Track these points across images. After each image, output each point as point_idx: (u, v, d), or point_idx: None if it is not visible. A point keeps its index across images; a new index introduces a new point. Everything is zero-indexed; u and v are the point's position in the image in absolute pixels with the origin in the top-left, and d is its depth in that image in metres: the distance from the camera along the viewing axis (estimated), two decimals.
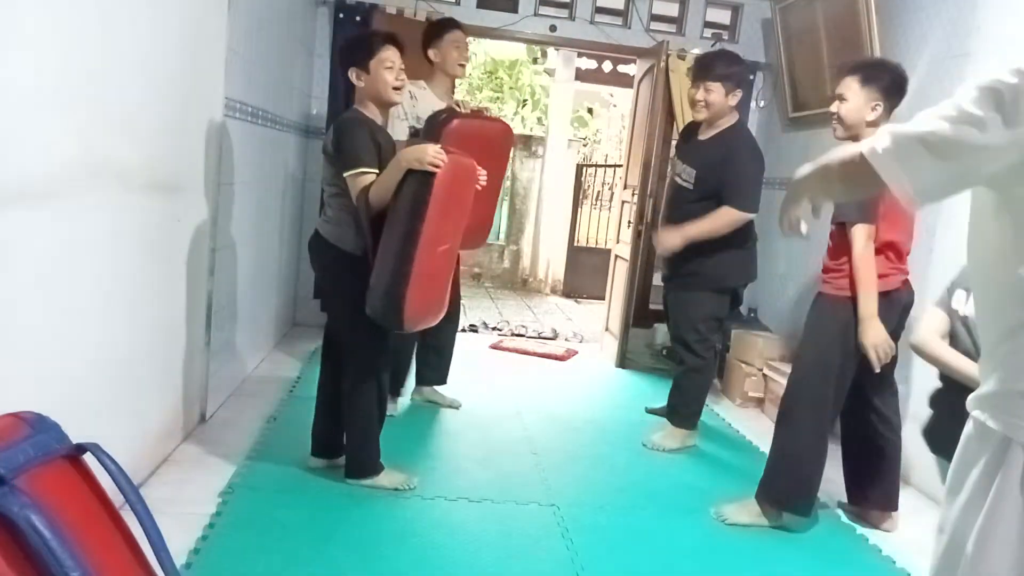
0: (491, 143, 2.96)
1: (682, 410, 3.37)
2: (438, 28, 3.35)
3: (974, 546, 1.07)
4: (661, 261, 3.51)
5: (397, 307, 2.33)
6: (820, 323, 2.60)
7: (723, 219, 3.09)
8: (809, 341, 2.62)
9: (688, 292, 3.27)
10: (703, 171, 3.18)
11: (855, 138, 2.44)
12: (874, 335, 2.45)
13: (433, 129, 2.84)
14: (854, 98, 2.47)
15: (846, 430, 2.78)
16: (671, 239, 3.18)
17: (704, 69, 3.15)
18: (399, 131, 3.08)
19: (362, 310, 2.40)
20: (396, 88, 2.52)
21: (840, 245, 2.55)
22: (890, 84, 2.47)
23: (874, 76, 2.47)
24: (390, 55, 2.50)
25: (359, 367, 2.57)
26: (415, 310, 2.37)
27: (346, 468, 2.65)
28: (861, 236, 2.45)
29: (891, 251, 2.53)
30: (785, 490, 2.64)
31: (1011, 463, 1.05)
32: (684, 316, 3.30)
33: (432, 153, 2.29)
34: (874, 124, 2.44)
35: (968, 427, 1.15)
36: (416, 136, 3.03)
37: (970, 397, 1.17)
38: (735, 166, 3.11)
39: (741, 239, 3.18)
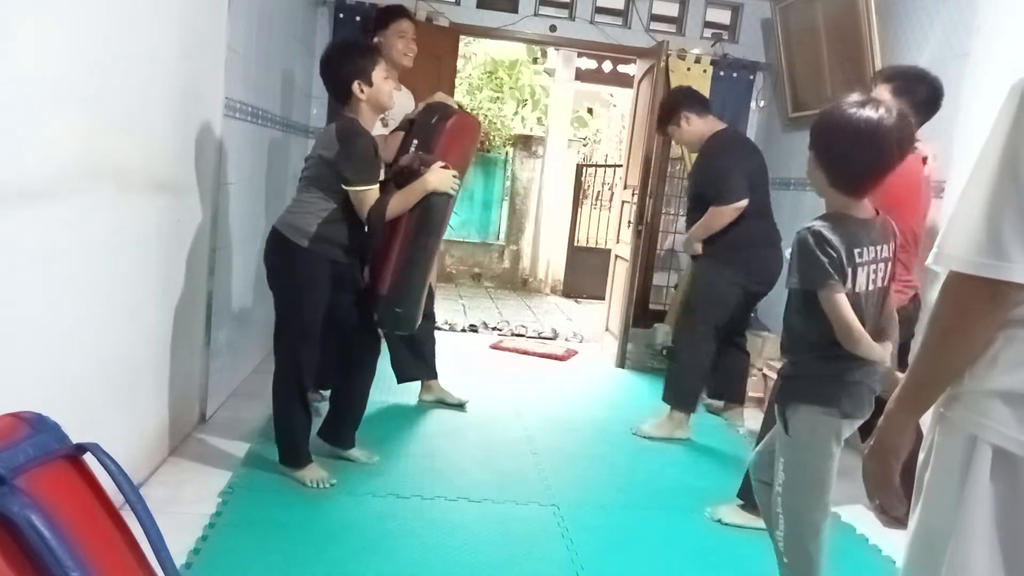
0: (475, 137, 3.10)
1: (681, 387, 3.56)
2: (385, 16, 3.31)
3: (950, 546, 1.08)
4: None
5: (415, 314, 2.69)
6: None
7: (712, 217, 3.39)
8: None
9: (701, 271, 3.53)
10: (690, 180, 3.72)
11: None
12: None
13: (431, 123, 2.81)
14: None
15: None
16: (692, 244, 3.58)
17: (660, 122, 3.57)
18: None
19: (304, 308, 2.51)
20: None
21: None
22: (924, 99, 2.43)
23: (907, 88, 2.43)
24: (385, 65, 2.62)
25: (286, 362, 2.59)
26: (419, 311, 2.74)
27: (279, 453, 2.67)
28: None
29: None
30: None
31: (979, 461, 1.06)
32: (694, 294, 3.58)
33: (451, 178, 2.61)
34: None
35: (936, 425, 1.15)
36: (412, 125, 2.96)
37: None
38: (707, 169, 3.46)
39: (761, 240, 3.40)
